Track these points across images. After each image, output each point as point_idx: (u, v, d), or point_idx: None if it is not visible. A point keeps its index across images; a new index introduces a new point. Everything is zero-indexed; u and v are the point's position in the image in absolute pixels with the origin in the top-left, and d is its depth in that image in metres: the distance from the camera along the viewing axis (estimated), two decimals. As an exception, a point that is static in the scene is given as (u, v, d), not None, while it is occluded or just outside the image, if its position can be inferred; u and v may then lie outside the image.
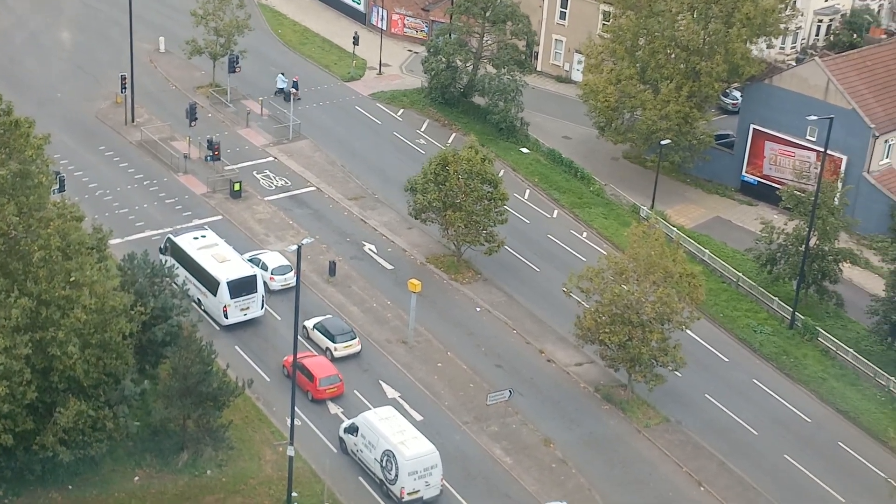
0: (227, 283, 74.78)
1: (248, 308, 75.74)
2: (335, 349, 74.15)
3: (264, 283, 77.62)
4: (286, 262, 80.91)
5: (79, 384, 58.46)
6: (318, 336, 75.05)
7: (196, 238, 79.04)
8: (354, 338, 74.98)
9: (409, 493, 62.86)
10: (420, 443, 63.76)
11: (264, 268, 79.67)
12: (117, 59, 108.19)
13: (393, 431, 64.04)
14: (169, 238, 79.75)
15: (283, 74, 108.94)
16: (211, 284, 75.57)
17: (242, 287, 75.23)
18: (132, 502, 61.78)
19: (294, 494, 62.79)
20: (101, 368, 58.80)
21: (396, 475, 62.84)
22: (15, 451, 58.47)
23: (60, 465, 60.36)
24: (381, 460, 63.73)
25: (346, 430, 66.69)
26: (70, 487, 62.00)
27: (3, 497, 59.85)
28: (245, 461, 65.35)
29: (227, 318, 75.22)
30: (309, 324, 75.43)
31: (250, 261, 79.38)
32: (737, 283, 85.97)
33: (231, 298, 74.92)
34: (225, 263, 76.26)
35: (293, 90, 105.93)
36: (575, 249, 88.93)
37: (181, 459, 64.12)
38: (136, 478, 63.34)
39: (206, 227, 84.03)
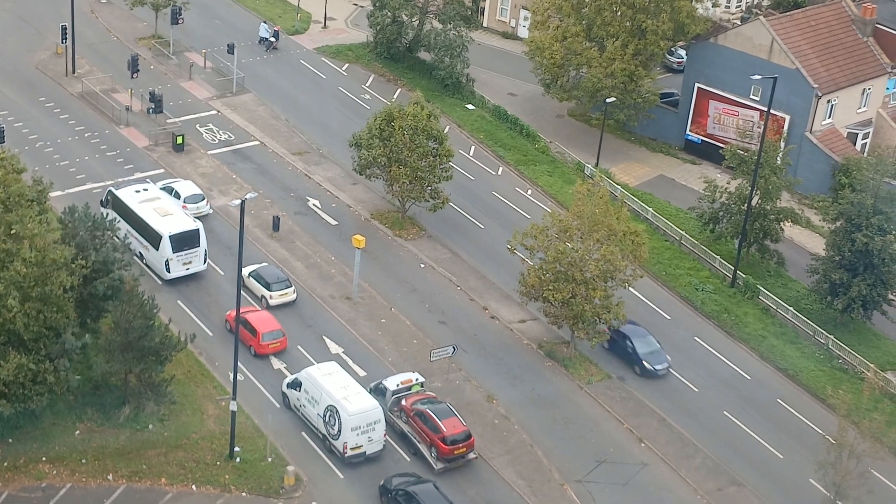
0: (170, 236, 74.23)
1: (190, 262, 75.28)
2: (271, 297, 74.23)
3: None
4: (199, 191, 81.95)
5: (19, 337, 57.93)
6: (253, 284, 75.09)
7: (138, 191, 78.27)
8: (290, 286, 75.08)
9: (351, 449, 62.98)
10: (363, 398, 63.81)
11: (177, 196, 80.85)
12: (58, 9, 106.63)
13: (336, 387, 64.02)
14: (110, 191, 79.00)
15: (265, 23, 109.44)
16: (153, 238, 74.94)
17: (185, 241, 74.70)
18: (73, 456, 61.45)
19: (237, 449, 62.74)
20: (41, 322, 58.26)
21: (339, 430, 62.89)
22: (-46, 404, 57.99)
23: (0, 419, 59.87)
24: (325, 415, 63.74)
25: (290, 386, 66.66)
26: (10, 441, 61.54)
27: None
28: (187, 416, 65.12)
29: (169, 272, 74.71)
30: (245, 272, 75.19)
31: (163, 189, 79.80)
32: (679, 241, 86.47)
33: (173, 252, 74.39)
34: (167, 217, 75.62)
35: (272, 39, 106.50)
36: (519, 207, 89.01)
37: (123, 414, 63.80)
38: (77, 432, 62.99)
39: (147, 180, 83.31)
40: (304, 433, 65.14)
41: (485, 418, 67.94)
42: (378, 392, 66.32)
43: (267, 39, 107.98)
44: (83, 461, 61.36)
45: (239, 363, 62.53)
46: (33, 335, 58.28)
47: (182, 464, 62.04)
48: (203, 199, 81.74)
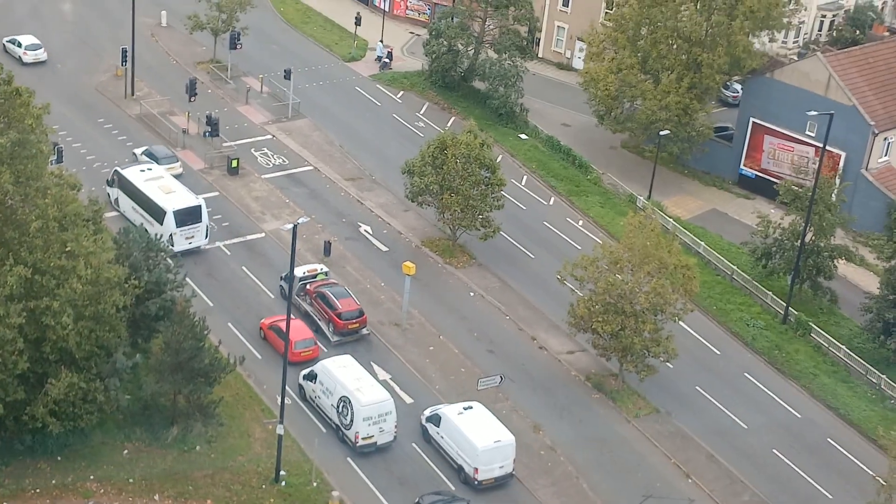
0: (174, 212, 78.25)
1: (192, 237, 79.27)
2: None
3: (19, 57, 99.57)
4: (37, 41, 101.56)
5: (71, 356, 58.40)
6: (144, 160, 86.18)
7: (143, 170, 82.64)
8: (177, 161, 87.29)
9: (363, 438, 64.53)
10: (376, 390, 65.50)
11: (19, 45, 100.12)
12: (118, 32, 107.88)
13: (350, 379, 65.71)
14: (116, 170, 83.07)
15: (380, 42, 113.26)
16: (157, 214, 78.79)
17: (188, 216, 78.98)
18: (120, 475, 61.78)
19: (282, 473, 62.85)
20: (93, 340, 58.75)
21: (352, 420, 64.25)
22: (5, 420, 58.45)
23: (50, 437, 60.36)
24: (338, 406, 65.23)
25: (305, 377, 68.35)
26: (59, 458, 61.95)
27: (-8, 466, 60.04)
28: (234, 438, 65.35)
29: (173, 246, 77.32)
30: (138, 151, 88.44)
31: (8, 42, 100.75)
32: (731, 276, 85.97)
33: (177, 227, 78.29)
34: (171, 194, 79.92)
35: (387, 60, 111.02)
36: (570, 237, 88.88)
37: (171, 434, 64.10)
38: (126, 451, 63.33)
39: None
40: (349, 458, 65.21)
41: (531, 449, 67.70)
42: (286, 280, 74.41)
43: (381, 59, 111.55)
44: (130, 480, 61.67)
45: (286, 387, 62.74)
46: (85, 354, 58.77)
47: (228, 486, 62.20)
48: (41, 48, 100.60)
